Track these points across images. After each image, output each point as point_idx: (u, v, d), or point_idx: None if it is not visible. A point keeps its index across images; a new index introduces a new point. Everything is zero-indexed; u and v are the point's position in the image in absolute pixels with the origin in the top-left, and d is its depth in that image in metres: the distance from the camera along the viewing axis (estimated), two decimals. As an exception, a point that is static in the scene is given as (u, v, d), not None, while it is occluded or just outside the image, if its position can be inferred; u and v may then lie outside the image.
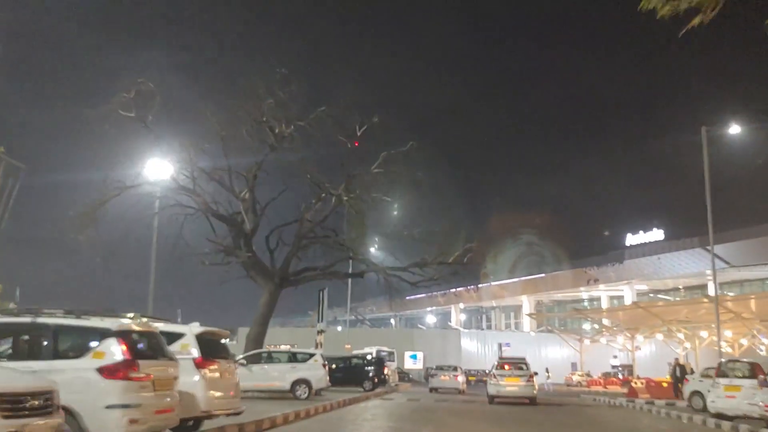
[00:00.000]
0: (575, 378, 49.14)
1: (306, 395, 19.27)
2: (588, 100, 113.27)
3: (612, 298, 62.60)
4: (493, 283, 53.47)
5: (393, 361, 43.13)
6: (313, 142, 24.39)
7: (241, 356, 20.97)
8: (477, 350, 56.20)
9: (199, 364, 9.35)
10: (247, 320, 30.49)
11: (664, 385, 26.70)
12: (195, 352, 9.42)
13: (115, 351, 7.24)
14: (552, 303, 71.98)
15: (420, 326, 74.61)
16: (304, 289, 27.88)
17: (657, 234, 53.17)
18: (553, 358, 53.47)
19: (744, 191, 42.42)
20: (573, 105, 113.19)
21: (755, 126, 24.57)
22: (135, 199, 22.34)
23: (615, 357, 51.60)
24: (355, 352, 36.94)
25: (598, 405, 25.24)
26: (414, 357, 51.56)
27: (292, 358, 20.98)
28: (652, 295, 58.85)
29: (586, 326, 56.94)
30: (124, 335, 7.44)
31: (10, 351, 7.80)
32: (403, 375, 45.44)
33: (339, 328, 59.03)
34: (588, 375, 48.35)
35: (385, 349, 43.66)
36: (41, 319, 7.57)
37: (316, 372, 20.11)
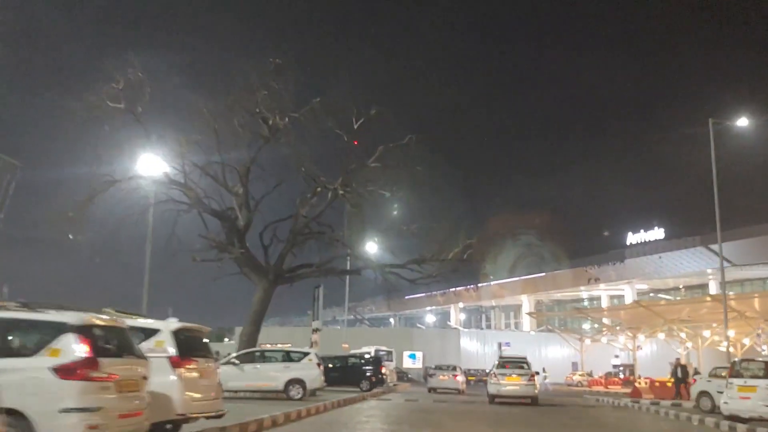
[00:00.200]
0: (576, 378, 48.59)
1: (300, 395, 18.65)
2: (588, 100, 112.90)
3: (612, 297, 62.35)
4: (492, 283, 52.77)
5: (391, 360, 42.66)
6: (308, 136, 23.89)
7: (233, 355, 20.48)
8: (476, 350, 55.99)
9: (175, 363, 8.59)
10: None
11: (669, 384, 26.09)
12: (171, 350, 8.66)
13: (74, 348, 6.45)
14: (552, 302, 71.65)
15: (419, 326, 74.24)
16: (303, 288, 27.38)
17: (658, 233, 52.68)
18: (554, 358, 53.20)
19: (745, 190, 42.01)
20: (573, 105, 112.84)
21: (760, 120, 24.06)
22: (125, 194, 21.72)
23: (616, 356, 51.17)
24: (353, 351, 36.33)
25: (602, 405, 24.67)
26: (413, 356, 51.22)
27: (286, 357, 20.30)
28: (652, 294, 58.47)
29: (587, 326, 56.44)
30: (83, 330, 6.62)
31: None
32: (402, 375, 45.15)
33: (338, 327, 58.51)
34: (589, 375, 47.79)
35: (383, 348, 43.11)
36: None
37: (310, 371, 19.47)
